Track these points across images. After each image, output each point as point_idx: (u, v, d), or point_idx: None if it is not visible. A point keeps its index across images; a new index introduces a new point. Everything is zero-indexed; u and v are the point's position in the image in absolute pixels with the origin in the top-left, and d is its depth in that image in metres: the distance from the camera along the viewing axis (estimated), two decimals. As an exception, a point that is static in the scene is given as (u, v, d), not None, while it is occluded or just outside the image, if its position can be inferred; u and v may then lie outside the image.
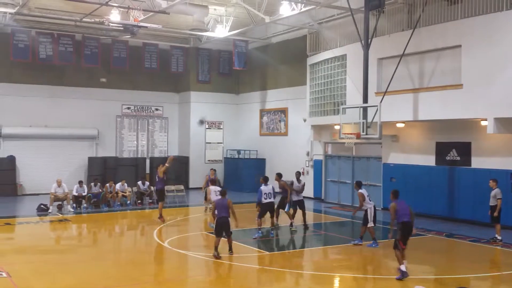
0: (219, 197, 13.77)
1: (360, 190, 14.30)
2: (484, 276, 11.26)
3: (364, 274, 11.63)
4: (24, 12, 21.12)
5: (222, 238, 12.46)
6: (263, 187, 15.05)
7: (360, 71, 18.36)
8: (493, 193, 14.49)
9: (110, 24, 19.95)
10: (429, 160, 18.95)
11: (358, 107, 17.95)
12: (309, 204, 22.49)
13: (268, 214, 15.38)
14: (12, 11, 20.73)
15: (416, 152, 19.51)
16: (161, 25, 21.35)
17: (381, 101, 17.24)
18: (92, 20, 21.36)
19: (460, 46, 16.35)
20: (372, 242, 13.96)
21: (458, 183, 17.96)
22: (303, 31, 24.25)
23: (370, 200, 14.22)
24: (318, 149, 24.07)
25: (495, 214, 14.32)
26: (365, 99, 17.96)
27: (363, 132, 17.48)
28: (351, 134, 17.92)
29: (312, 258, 13.53)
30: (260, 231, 15.19)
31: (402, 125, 19.27)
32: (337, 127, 19.84)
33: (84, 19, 21.50)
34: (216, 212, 12.70)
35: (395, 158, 20.34)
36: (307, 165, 24.69)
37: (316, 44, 23.34)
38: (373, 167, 21.39)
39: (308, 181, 24.29)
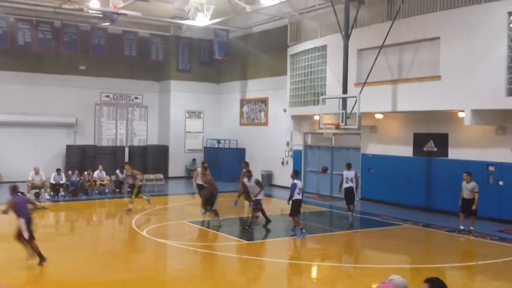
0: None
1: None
2: (459, 266, 11.47)
3: (341, 263, 11.75)
4: (1, -4, 20.68)
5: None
6: (297, 181, 13.93)
7: (340, 62, 18.42)
8: (470, 186, 14.35)
9: (89, 11, 19.69)
10: (407, 151, 19.17)
11: (337, 97, 18.03)
12: (288, 194, 22.61)
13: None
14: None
15: (394, 143, 19.72)
16: (141, 12, 21.12)
17: (360, 92, 17.34)
18: (72, 7, 21.03)
19: (439, 38, 16.50)
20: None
21: (435, 174, 18.21)
22: (284, 21, 24.20)
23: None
24: (298, 139, 24.16)
25: (474, 207, 14.21)
26: (345, 90, 18.05)
27: (342, 122, 17.59)
28: (330, 124, 18.02)
29: (290, 248, 13.61)
30: (303, 231, 13.84)
31: (380, 116, 19.43)
32: (316, 117, 19.91)
33: (63, 6, 21.14)
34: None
35: (374, 148, 20.53)
36: (287, 155, 24.78)
37: (296, 34, 23.33)
38: (352, 158, 21.52)
39: (288, 171, 24.38)
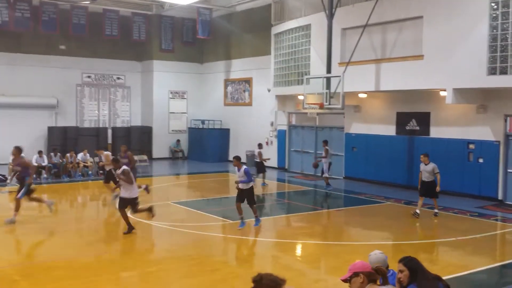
0: None
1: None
2: (440, 241, 11.69)
3: (325, 240, 11.89)
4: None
5: None
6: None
7: (324, 41, 18.40)
8: (429, 168, 13.72)
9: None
10: (390, 130, 19.34)
11: (321, 77, 18.06)
12: (273, 174, 22.73)
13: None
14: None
15: (377, 122, 19.86)
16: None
17: (344, 72, 17.37)
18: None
19: (422, 17, 16.53)
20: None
21: (417, 153, 18.38)
22: (267, -1, 24.03)
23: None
24: (282, 119, 24.18)
25: (438, 189, 13.73)
26: (329, 70, 18.06)
27: (326, 102, 17.64)
28: (314, 104, 18.06)
29: (275, 226, 13.73)
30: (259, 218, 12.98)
31: (364, 95, 19.52)
32: (301, 97, 19.94)
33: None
34: None
35: (357, 128, 20.66)
36: (271, 135, 24.82)
37: (280, 13, 23.17)
38: (335, 137, 21.68)
39: (272, 151, 24.48)
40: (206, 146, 27.42)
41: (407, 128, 18.80)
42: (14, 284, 8.48)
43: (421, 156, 14.09)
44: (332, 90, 17.50)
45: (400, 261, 4.86)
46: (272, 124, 24.75)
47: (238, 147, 26.76)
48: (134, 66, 28.83)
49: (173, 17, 28.07)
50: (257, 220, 12.72)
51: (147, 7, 27.41)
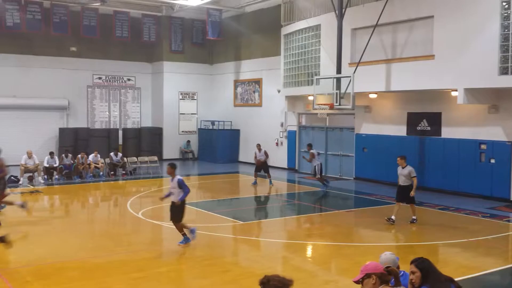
0: None
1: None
2: (451, 243, 11.61)
3: (336, 241, 11.86)
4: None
5: None
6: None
7: (334, 41, 18.36)
8: (405, 171, 12.85)
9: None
10: (401, 130, 19.25)
11: (331, 77, 18.01)
12: (282, 175, 22.73)
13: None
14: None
15: (388, 122, 19.77)
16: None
17: (354, 72, 17.32)
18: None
19: (432, 16, 16.44)
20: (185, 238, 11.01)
21: (428, 153, 18.32)
22: (277, 0, 24.00)
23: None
24: (292, 120, 24.16)
25: (412, 193, 12.83)
26: (339, 70, 18.02)
27: (336, 103, 17.60)
28: (324, 104, 18.02)
29: (285, 227, 13.72)
30: (193, 232, 11.16)
31: (374, 95, 19.44)
32: (311, 98, 19.90)
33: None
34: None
35: (368, 128, 20.58)
36: (281, 136, 24.80)
37: (290, 14, 23.15)
38: (346, 138, 21.62)
39: (282, 151, 24.47)
40: (216, 147, 27.46)
41: (418, 128, 18.69)
42: (27, 285, 8.54)
43: (398, 158, 13.17)
44: (342, 90, 17.46)
45: (412, 262, 4.84)
46: (282, 124, 24.74)
47: (248, 148, 26.80)
48: (144, 67, 28.95)
49: (183, 18, 28.15)
50: (185, 239, 10.90)
51: (157, 8, 27.51)
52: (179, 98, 28.88)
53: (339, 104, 17.52)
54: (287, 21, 23.15)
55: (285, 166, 24.20)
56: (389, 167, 19.43)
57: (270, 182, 19.55)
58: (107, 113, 27.94)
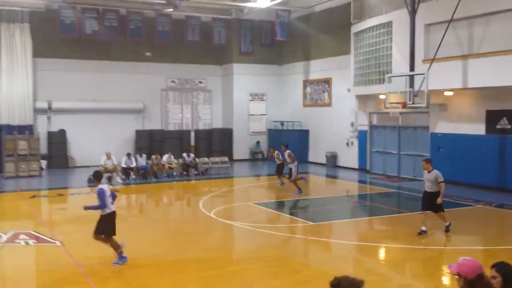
0: None
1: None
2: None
3: (410, 244, 11.50)
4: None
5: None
6: (103, 186, 9.77)
7: (406, 38, 17.86)
8: (432, 176, 11.60)
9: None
10: (479, 129, 18.37)
11: (404, 75, 17.53)
12: (354, 175, 22.37)
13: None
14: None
15: (465, 120, 18.93)
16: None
17: (428, 69, 16.75)
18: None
19: (512, 9, 15.60)
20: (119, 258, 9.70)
21: (509, 152, 17.36)
22: (347, -2, 23.67)
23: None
24: (363, 119, 23.71)
25: (439, 200, 11.57)
26: (412, 67, 17.50)
27: (409, 101, 17.10)
28: (397, 103, 17.56)
29: (356, 229, 13.48)
30: (124, 255, 9.73)
31: (450, 93, 18.69)
32: (382, 96, 19.46)
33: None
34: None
35: (443, 127, 19.80)
36: (352, 136, 24.41)
37: (360, 12, 22.75)
38: (420, 137, 20.93)
39: (353, 151, 24.09)
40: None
41: (498, 127, 17.74)
42: (105, 280, 8.93)
43: (422, 162, 11.97)
44: (416, 88, 16.92)
45: (493, 266, 4.62)
46: (352, 124, 24.34)
47: (318, 148, 26.61)
48: (214, 70, 29.49)
49: (252, 20, 28.40)
50: (121, 258, 9.58)
51: (227, 12, 27.93)
52: (249, 99, 29.16)
53: (413, 103, 17.00)
54: (357, 19, 22.76)
55: (356, 166, 23.80)
56: (467, 167, 18.66)
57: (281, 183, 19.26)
58: (180, 115, 28.72)
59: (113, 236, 9.63)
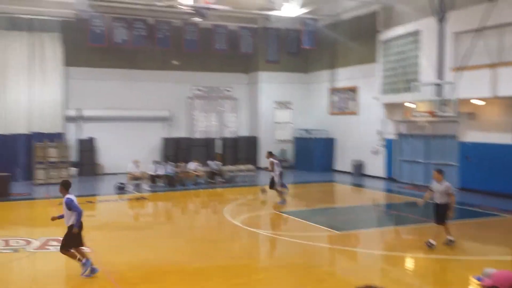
0: None
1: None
2: None
3: (437, 254, 11.35)
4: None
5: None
6: (70, 196, 9.48)
7: (434, 46, 17.74)
8: (442, 187, 11.35)
9: (181, 7, 20.34)
10: (508, 138, 18.04)
11: (432, 84, 17.38)
12: (380, 184, 22.18)
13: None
14: (89, -2, 21.60)
15: (495, 130, 18.61)
16: (230, 6, 21.49)
17: (457, 78, 16.56)
18: (164, 4, 21.88)
19: (544, 16, 15.34)
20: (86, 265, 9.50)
21: (541, 163, 17.01)
22: (374, 6, 23.57)
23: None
24: (390, 128, 23.51)
25: (451, 214, 11.41)
26: (440, 76, 17.34)
27: (437, 110, 16.92)
28: (425, 112, 17.40)
29: (383, 239, 13.36)
30: (94, 266, 9.51)
31: (479, 102, 18.42)
32: (410, 105, 19.29)
33: (156, 3, 22.04)
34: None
35: (472, 136, 19.51)
36: (379, 144, 24.21)
37: (387, 20, 22.64)
38: (448, 146, 20.64)
39: (380, 160, 23.89)
40: (312, 156, 27.40)
41: (529, 136, 17.42)
42: (134, 286, 9.06)
43: (434, 172, 11.65)
44: (445, 97, 16.75)
45: None
46: (379, 133, 24.15)
47: (344, 157, 26.48)
48: (241, 78, 29.67)
49: (278, 29, 28.48)
50: (89, 268, 9.37)
51: (253, 20, 28.08)
52: (274, 107, 29.23)
53: (441, 112, 16.82)
54: (384, 28, 22.66)
55: (382, 175, 23.59)
56: (497, 176, 18.33)
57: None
58: (206, 123, 28.95)
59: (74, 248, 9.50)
